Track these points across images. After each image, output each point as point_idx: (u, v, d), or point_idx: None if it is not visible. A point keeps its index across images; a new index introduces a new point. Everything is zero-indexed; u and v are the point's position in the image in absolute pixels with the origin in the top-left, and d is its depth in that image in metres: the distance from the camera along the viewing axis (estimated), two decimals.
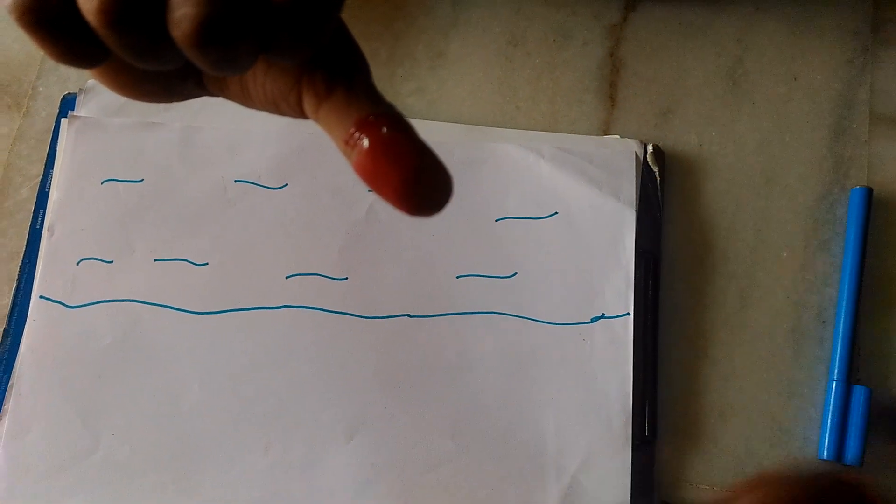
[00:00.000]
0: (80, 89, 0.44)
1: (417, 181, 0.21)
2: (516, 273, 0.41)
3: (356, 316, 0.40)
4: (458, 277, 0.41)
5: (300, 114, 0.23)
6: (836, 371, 0.41)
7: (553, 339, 0.41)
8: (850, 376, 0.41)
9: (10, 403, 0.38)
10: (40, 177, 0.43)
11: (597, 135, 0.45)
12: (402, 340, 0.40)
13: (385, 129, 0.21)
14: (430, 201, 0.21)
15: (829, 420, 0.40)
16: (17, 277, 0.41)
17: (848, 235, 0.43)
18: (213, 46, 0.19)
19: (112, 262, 0.41)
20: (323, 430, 0.39)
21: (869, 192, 0.44)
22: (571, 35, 0.48)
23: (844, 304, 0.42)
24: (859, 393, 0.40)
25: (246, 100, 0.25)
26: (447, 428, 0.39)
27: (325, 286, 0.41)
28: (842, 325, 0.42)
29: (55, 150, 0.43)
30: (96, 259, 0.41)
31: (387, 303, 0.41)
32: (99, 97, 0.44)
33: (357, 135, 0.21)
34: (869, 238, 0.43)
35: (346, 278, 0.41)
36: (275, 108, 0.24)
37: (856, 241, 0.43)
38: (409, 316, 0.41)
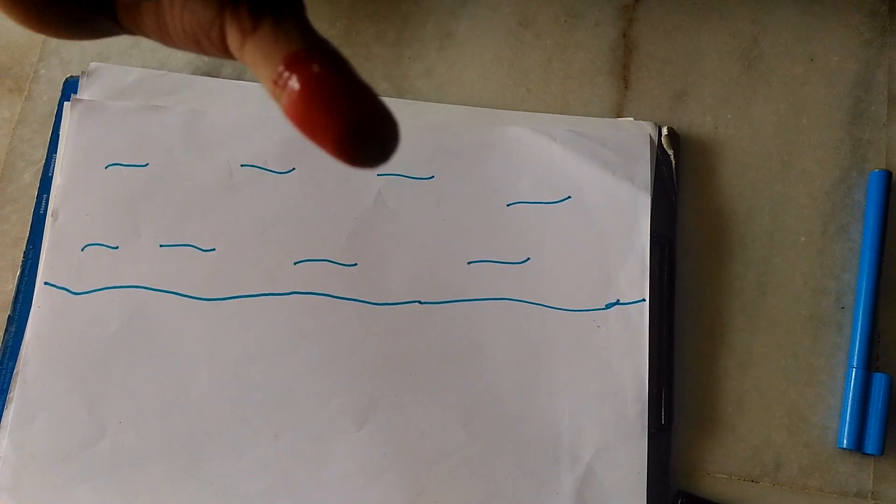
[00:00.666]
0: (83, 72, 0.43)
1: (357, 128, 0.18)
2: (529, 259, 0.41)
3: (366, 302, 0.40)
4: (469, 263, 0.41)
5: (224, 52, 0.21)
6: (855, 358, 0.40)
7: (567, 326, 0.40)
8: (870, 363, 0.40)
9: (15, 391, 0.38)
10: (43, 161, 0.42)
11: (610, 117, 0.44)
12: (412, 327, 0.40)
13: (317, 68, 0.18)
14: (372, 152, 0.19)
15: (849, 408, 0.40)
16: (21, 263, 0.40)
17: (867, 220, 0.42)
18: None
19: (117, 247, 0.40)
20: (332, 418, 0.38)
21: (888, 176, 0.43)
22: (583, 15, 0.47)
23: (863, 289, 0.41)
24: (879, 380, 0.40)
25: (164, 37, 0.22)
26: (459, 416, 0.38)
27: (333, 272, 0.40)
28: (861, 311, 0.41)
29: (58, 134, 0.42)
30: (101, 245, 0.40)
31: (397, 289, 0.40)
32: (102, 80, 0.43)
33: (286, 74, 0.19)
34: (888, 222, 0.42)
35: (356, 264, 0.40)
36: (196, 45, 0.21)
37: (875, 226, 0.42)
38: (419, 302, 0.40)
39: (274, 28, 0.19)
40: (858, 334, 0.41)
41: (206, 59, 0.45)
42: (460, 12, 0.47)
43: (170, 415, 0.38)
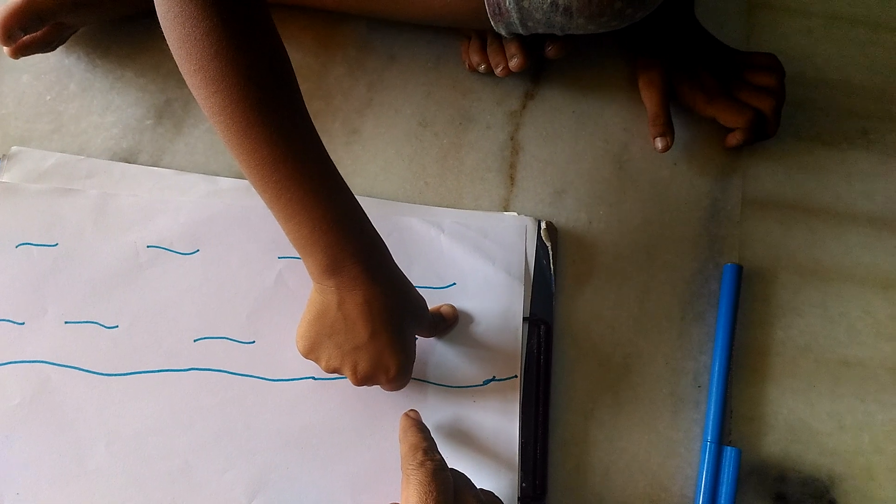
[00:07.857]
0: (4, 155, 0.46)
1: None
2: (417, 338, 0.44)
3: (262, 378, 0.42)
4: None
5: None
6: (709, 432, 0.45)
7: (448, 401, 0.43)
8: (723, 438, 0.45)
9: None
10: None
11: (498, 210, 0.49)
12: (306, 402, 0.42)
13: None
14: None
15: (703, 479, 0.44)
16: None
17: (721, 307, 0.48)
18: None
19: (24, 323, 0.42)
20: (225, 491, 0.40)
21: (739, 269, 0.48)
22: (476, 119, 0.52)
23: (717, 370, 0.46)
24: (730, 454, 0.44)
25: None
26: (347, 487, 0.41)
27: (232, 349, 0.43)
28: (715, 389, 0.46)
29: None
30: (8, 321, 0.42)
31: (292, 366, 0.43)
32: (22, 163, 0.46)
33: None
34: (740, 310, 0.48)
35: (254, 342, 0.43)
36: None
37: (727, 313, 0.47)
38: (313, 378, 0.43)
39: None
40: (712, 411, 0.45)
41: (123, 145, 0.48)
42: (366, 111, 0.52)
43: (67, 487, 0.39)
